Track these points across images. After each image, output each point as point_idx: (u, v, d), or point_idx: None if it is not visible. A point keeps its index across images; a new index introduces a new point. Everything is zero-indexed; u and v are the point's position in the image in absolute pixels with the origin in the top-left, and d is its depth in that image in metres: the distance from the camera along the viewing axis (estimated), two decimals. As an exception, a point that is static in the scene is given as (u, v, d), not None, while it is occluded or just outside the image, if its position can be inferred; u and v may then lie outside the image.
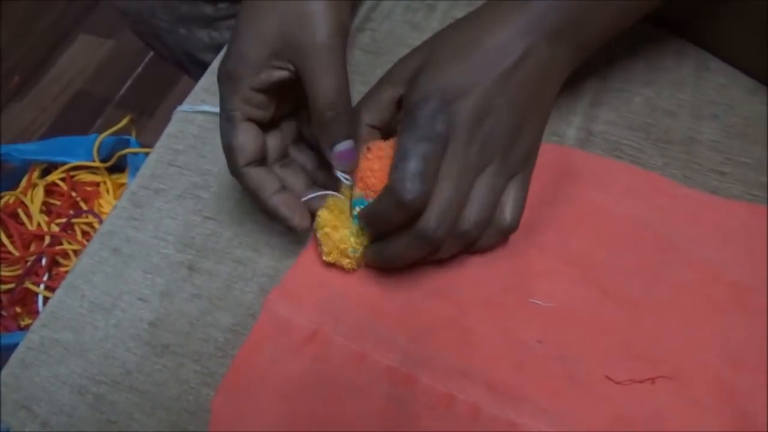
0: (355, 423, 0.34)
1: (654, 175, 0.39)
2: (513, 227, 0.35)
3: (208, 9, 0.56)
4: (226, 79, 0.35)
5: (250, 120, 0.36)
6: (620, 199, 0.38)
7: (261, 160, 0.37)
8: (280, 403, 0.35)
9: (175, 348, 0.38)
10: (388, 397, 0.34)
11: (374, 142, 0.36)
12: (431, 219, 0.32)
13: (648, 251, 0.36)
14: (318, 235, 0.37)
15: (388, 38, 0.48)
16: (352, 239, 0.36)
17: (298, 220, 0.36)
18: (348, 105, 0.34)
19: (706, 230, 0.37)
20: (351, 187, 0.37)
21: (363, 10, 0.50)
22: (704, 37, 0.44)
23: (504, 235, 0.36)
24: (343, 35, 0.34)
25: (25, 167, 0.91)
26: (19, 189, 0.89)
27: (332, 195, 0.37)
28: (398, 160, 0.32)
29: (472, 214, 0.33)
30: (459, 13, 0.48)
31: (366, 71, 0.47)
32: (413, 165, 0.31)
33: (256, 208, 0.42)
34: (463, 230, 0.33)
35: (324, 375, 0.35)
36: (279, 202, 0.36)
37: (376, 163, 0.35)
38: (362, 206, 0.35)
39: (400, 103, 0.36)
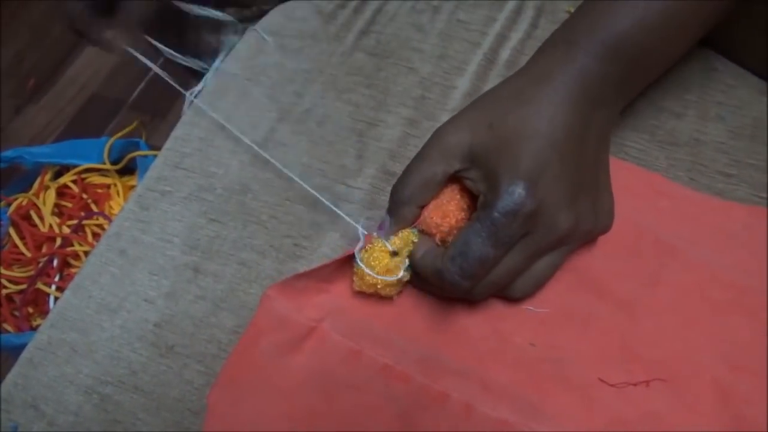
0: (350, 420, 0.34)
1: (654, 176, 0.39)
2: (525, 297, 0.36)
3: (215, 13, 0.57)
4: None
5: None
6: (619, 201, 0.38)
7: None
8: (276, 398, 0.35)
9: (179, 349, 0.39)
10: (384, 395, 0.34)
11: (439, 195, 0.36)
12: (478, 293, 0.33)
13: (646, 253, 0.36)
14: (356, 267, 0.36)
15: (393, 41, 0.48)
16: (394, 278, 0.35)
17: None
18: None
19: (706, 232, 0.36)
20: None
21: (367, 12, 0.50)
22: (712, 37, 0.43)
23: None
24: None
25: (38, 170, 0.92)
26: (32, 191, 0.90)
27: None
28: (459, 248, 0.31)
29: (527, 289, 0.35)
30: (464, 14, 0.48)
31: (371, 74, 0.47)
32: (469, 265, 0.31)
33: (260, 211, 0.42)
34: (515, 298, 0.35)
35: (320, 372, 0.35)
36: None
37: (440, 218, 0.35)
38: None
39: (450, 179, 0.35)
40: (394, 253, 0.35)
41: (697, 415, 0.31)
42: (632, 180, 0.39)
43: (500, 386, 0.34)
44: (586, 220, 0.34)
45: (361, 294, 0.37)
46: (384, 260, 0.35)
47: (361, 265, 0.35)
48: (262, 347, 0.37)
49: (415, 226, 0.35)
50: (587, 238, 0.35)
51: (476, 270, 0.31)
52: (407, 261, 0.35)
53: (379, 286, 0.35)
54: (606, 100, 0.34)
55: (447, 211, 0.35)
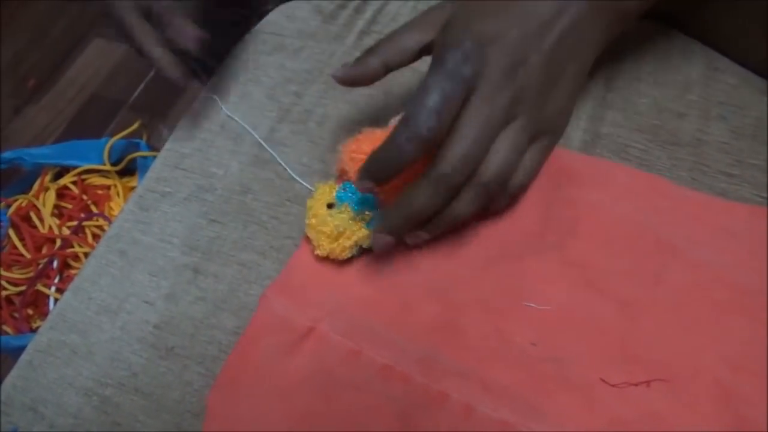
0: (349, 420, 0.34)
1: (654, 176, 0.39)
2: (519, 190, 0.35)
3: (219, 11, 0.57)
4: None
5: None
6: (620, 202, 0.37)
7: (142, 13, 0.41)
8: (276, 399, 0.35)
9: (179, 350, 0.39)
10: (383, 395, 0.34)
11: (367, 129, 0.37)
12: (449, 162, 0.32)
13: (647, 253, 0.36)
14: (308, 234, 0.38)
15: (394, 40, 0.48)
16: (330, 220, 0.36)
17: (174, 72, 0.43)
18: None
19: (707, 233, 0.36)
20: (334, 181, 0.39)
21: (368, 12, 0.50)
22: (714, 37, 0.43)
23: (513, 195, 0.36)
24: None
25: (38, 171, 0.92)
26: (32, 192, 0.90)
27: (319, 184, 0.39)
28: (418, 94, 0.31)
29: (492, 166, 0.33)
30: (465, 14, 0.48)
31: (371, 74, 0.47)
32: (433, 99, 0.31)
33: (260, 211, 0.42)
34: (483, 182, 0.33)
35: (319, 372, 0.35)
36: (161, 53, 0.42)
37: (367, 145, 0.36)
38: (348, 188, 0.37)
39: (423, 51, 0.36)
40: (330, 205, 0.37)
41: (698, 416, 0.31)
42: (633, 181, 0.39)
43: (501, 386, 0.33)
44: (523, 98, 0.33)
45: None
46: (322, 210, 0.37)
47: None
48: (261, 348, 0.36)
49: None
50: (532, 114, 0.34)
51: (440, 103, 0.31)
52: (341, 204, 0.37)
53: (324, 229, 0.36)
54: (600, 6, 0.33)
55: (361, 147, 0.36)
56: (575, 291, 0.36)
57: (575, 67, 0.34)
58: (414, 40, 0.36)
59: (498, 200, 0.35)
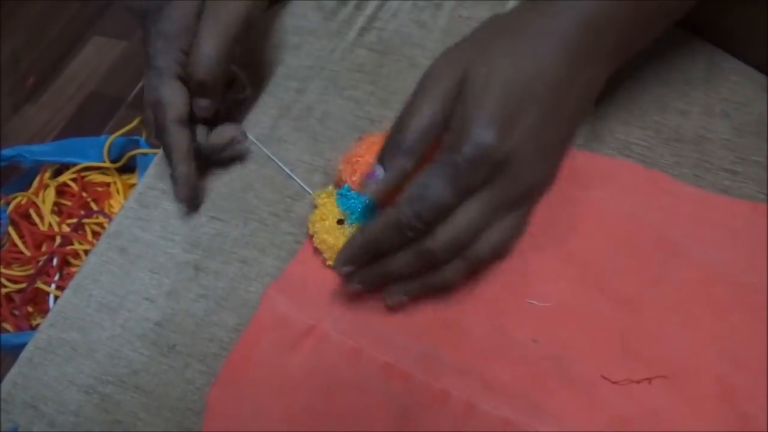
0: (350, 419, 0.34)
1: (656, 173, 0.38)
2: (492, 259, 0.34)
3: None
4: (158, 37, 0.37)
5: (180, 80, 0.38)
6: (621, 198, 0.37)
7: (185, 121, 0.38)
8: (277, 397, 0.35)
9: (180, 348, 0.38)
10: (384, 394, 0.34)
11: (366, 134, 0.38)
12: (438, 241, 0.31)
13: (648, 250, 0.36)
14: (315, 243, 0.38)
15: (395, 37, 0.48)
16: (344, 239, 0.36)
17: (184, 194, 0.40)
18: (222, 69, 0.39)
19: (709, 230, 0.36)
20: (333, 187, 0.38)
21: (369, 8, 0.50)
22: (717, 34, 0.43)
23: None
24: (249, 10, 0.38)
25: (37, 168, 0.92)
26: (31, 190, 0.90)
27: (319, 193, 0.39)
28: (417, 190, 0.30)
29: (487, 245, 0.32)
30: (466, 11, 0.48)
31: (372, 70, 0.47)
32: (426, 207, 0.30)
33: (261, 209, 0.42)
34: (478, 258, 0.33)
35: (321, 370, 0.35)
36: (186, 167, 0.39)
37: (365, 151, 0.36)
38: (347, 195, 0.37)
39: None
40: (341, 221, 0.37)
41: (700, 413, 0.31)
42: (635, 178, 0.38)
43: (502, 384, 0.33)
44: (551, 179, 0.33)
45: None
46: (333, 226, 0.37)
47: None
48: (262, 346, 0.36)
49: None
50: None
51: (432, 215, 0.30)
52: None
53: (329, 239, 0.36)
54: (607, 49, 0.32)
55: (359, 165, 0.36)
56: (576, 288, 0.35)
57: (575, 130, 0.35)
58: (440, 115, 0.32)
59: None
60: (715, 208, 0.37)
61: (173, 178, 0.40)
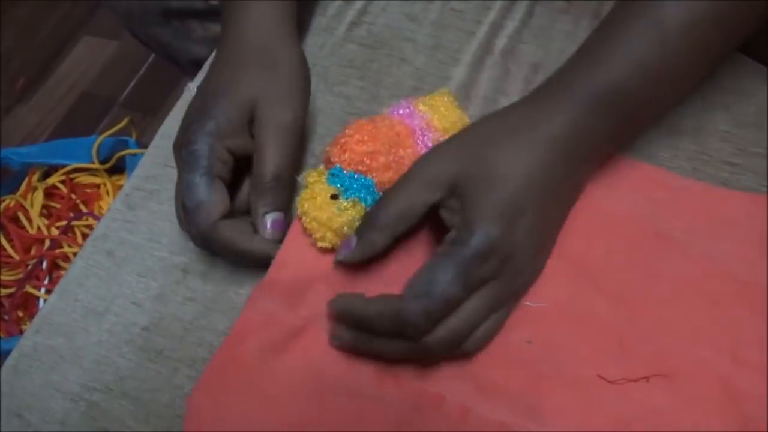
0: (342, 425, 0.33)
1: (653, 167, 0.38)
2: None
3: (199, 4, 0.56)
4: (205, 135, 0.36)
5: (221, 178, 0.36)
6: (618, 193, 0.37)
7: (228, 214, 0.37)
8: (263, 403, 0.34)
9: (169, 353, 0.37)
10: (377, 398, 0.33)
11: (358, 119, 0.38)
12: (439, 341, 0.30)
13: (645, 246, 0.35)
14: (305, 224, 0.36)
15: (386, 31, 0.47)
16: (338, 215, 0.35)
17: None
18: (290, 182, 0.37)
19: (707, 223, 0.35)
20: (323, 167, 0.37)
21: (359, 3, 0.49)
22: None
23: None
24: (304, 120, 0.38)
25: (25, 170, 0.91)
26: (19, 192, 0.89)
27: (309, 172, 0.38)
28: (424, 285, 0.30)
29: (477, 341, 0.32)
30: (458, 3, 0.47)
31: (362, 65, 0.46)
32: (434, 304, 0.30)
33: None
34: (466, 351, 0.32)
35: (310, 374, 0.34)
36: (261, 244, 0.36)
37: (356, 134, 0.36)
38: (339, 174, 0.36)
39: (430, 211, 0.33)
40: (335, 196, 0.35)
41: (700, 411, 0.31)
42: (630, 172, 0.38)
43: (497, 386, 0.33)
44: (540, 273, 0.34)
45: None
46: (326, 202, 0.35)
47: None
48: (248, 347, 0.35)
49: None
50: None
51: (440, 311, 0.30)
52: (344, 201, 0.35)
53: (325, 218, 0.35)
54: (592, 150, 0.34)
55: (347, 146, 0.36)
56: (572, 287, 0.35)
57: (562, 220, 0.36)
58: (421, 202, 0.33)
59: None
60: (713, 201, 0.36)
61: (257, 260, 0.37)
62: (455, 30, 0.46)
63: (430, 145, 0.37)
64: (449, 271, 0.29)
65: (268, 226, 0.36)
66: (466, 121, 0.39)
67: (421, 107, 0.38)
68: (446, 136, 0.37)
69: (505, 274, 0.31)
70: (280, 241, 0.37)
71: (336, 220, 0.35)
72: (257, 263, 0.37)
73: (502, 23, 0.46)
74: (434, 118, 0.38)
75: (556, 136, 0.32)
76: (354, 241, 0.34)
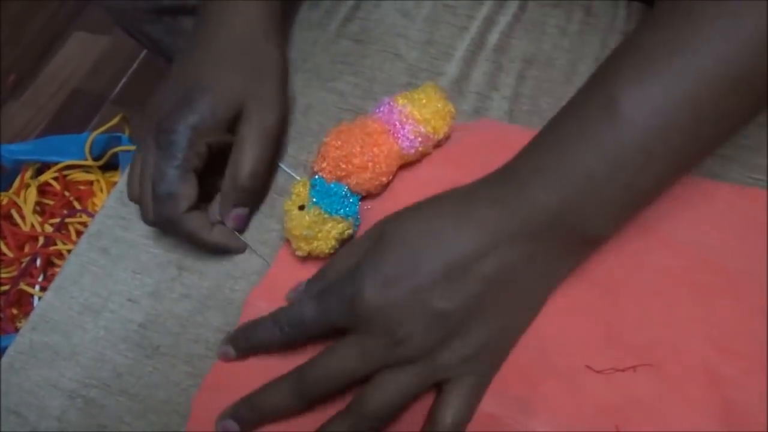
0: None
1: None
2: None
3: (191, 2, 0.55)
4: (186, 128, 0.36)
5: (194, 170, 0.37)
6: None
7: (196, 205, 0.38)
8: None
9: (165, 349, 0.38)
10: None
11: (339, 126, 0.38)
12: (313, 377, 0.31)
13: (631, 237, 0.35)
14: (285, 233, 0.37)
15: (378, 27, 0.47)
16: (301, 223, 0.36)
17: (241, 243, 0.39)
18: (263, 181, 0.39)
19: (693, 214, 0.36)
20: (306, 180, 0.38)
21: (352, -2, 0.49)
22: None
23: None
24: (286, 121, 0.40)
25: (18, 168, 0.90)
26: (12, 190, 0.88)
27: (297, 183, 0.38)
28: (292, 307, 0.33)
29: (372, 400, 0.30)
30: (450, 0, 0.47)
31: (355, 61, 0.46)
32: (291, 316, 0.33)
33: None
34: (363, 414, 0.31)
35: None
36: (218, 236, 0.39)
37: (341, 140, 0.37)
38: (317, 182, 0.37)
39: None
40: (302, 207, 0.37)
41: (686, 400, 0.31)
42: None
43: None
44: (422, 347, 0.30)
45: None
46: (295, 212, 0.36)
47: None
48: None
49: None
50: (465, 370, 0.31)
51: (293, 325, 0.33)
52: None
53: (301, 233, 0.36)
54: (541, 234, 0.30)
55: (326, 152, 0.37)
56: None
57: (507, 307, 0.31)
58: (342, 259, 0.35)
59: None
60: (698, 192, 0.36)
61: (213, 251, 0.40)
62: (448, 25, 0.46)
63: (411, 137, 0.37)
64: (308, 292, 0.34)
65: (233, 219, 0.39)
66: (451, 110, 0.39)
67: (400, 101, 0.38)
68: (428, 126, 0.38)
69: (370, 331, 0.30)
70: (240, 232, 0.40)
71: (301, 226, 0.36)
72: (215, 253, 0.40)
73: (495, 18, 0.46)
74: (413, 110, 0.38)
75: (506, 222, 0.30)
76: (303, 285, 0.36)
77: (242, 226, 0.40)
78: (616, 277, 0.34)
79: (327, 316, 0.32)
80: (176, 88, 0.39)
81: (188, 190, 0.37)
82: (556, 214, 0.29)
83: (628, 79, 0.29)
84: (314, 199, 0.36)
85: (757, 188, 0.36)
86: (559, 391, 0.32)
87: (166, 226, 0.38)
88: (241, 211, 0.39)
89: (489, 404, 0.32)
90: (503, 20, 0.46)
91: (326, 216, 0.36)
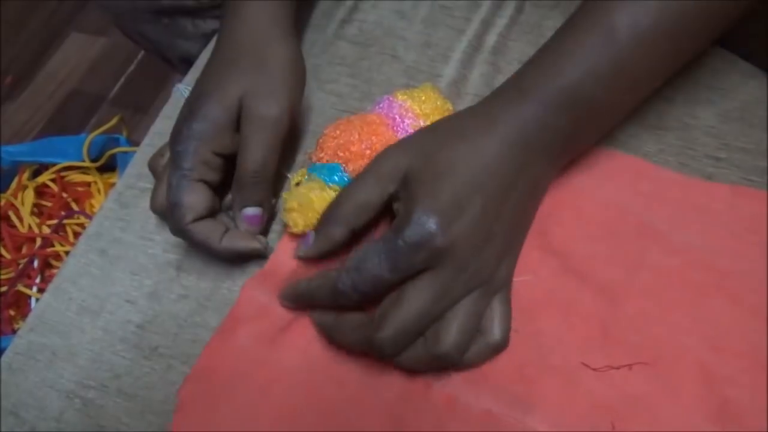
0: (331, 412, 0.33)
1: (636, 159, 0.38)
2: (503, 344, 0.33)
3: (189, 2, 0.56)
4: (189, 138, 0.36)
5: (203, 180, 0.37)
6: (600, 185, 0.37)
7: (207, 215, 0.37)
8: (255, 393, 0.34)
9: (163, 350, 0.38)
10: (365, 387, 0.34)
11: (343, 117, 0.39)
12: (387, 336, 0.31)
13: (628, 237, 0.36)
14: (282, 216, 0.38)
15: (377, 29, 0.47)
16: (298, 193, 0.36)
17: (254, 244, 0.37)
18: (271, 178, 0.38)
19: (689, 215, 0.36)
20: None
21: (350, 0, 0.49)
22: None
23: (495, 352, 0.33)
24: (292, 116, 0.38)
25: (15, 169, 0.90)
26: (9, 191, 0.88)
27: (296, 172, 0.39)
28: (355, 262, 0.31)
29: (450, 337, 0.31)
30: (446, 2, 0.47)
31: (353, 63, 0.46)
32: (362, 280, 0.31)
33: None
34: (442, 353, 0.31)
35: (300, 363, 0.35)
36: (228, 242, 0.37)
37: (341, 132, 0.37)
38: (315, 167, 0.37)
39: (386, 203, 0.34)
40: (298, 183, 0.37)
41: (681, 398, 0.31)
42: (613, 164, 0.38)
43: (483, 375, 0.33)
44: (506, 265, 0.33)
45: None
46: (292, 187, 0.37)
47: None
48: (240, 339, 0.36)
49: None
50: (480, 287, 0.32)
51: (367, 288, 0.31)
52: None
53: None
54: (549, 151, 0.33)
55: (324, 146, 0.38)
56: (556, 276, 0.35)
57: (528, 223, 0.35)
58: (376, 194, 0.34)
59: (472, 359, 0.33)
60: (695, 193, 0.37)
61: (229, 259, 0.39)
62: (445, 27, 0.46)
63: (410, 130, 0.38)
64: (378, 254, 0.31)
65: (244, 220, 0.38)
66: (449, 108, 0.39)
67: (400, 97, 0.39)
68: (428, 122, 0.38)
69: (444, 267, 0.30)
70: (264, 234, 0.39)
71: (293, 200, 0.36)
72: (229, 261, 0.39)
73: (492, 20, 0.46)
74: (413, 104, 0.38)
75: (507, 135, 0.32)
76: (311, 236, 0.35)
77: (256, 228, 0.38)
78: (613, 277, 0.35)
79: (403, 266, 0.31)
80: (189, 98, 0.39)
81: (193, 201, 0.36)
82: (564, 129, 0.33)
83: None
84: (310, 173, 0.37)
85: (754, 189, 0.37)
86: (556, 388, 0.32)
87: (178, 236, 0.38)
88: (252, 211, 0.38)
89: (486, 400, 0.32)
90: (501, 22, 0.46)
91: (321, 187, 0.36)
